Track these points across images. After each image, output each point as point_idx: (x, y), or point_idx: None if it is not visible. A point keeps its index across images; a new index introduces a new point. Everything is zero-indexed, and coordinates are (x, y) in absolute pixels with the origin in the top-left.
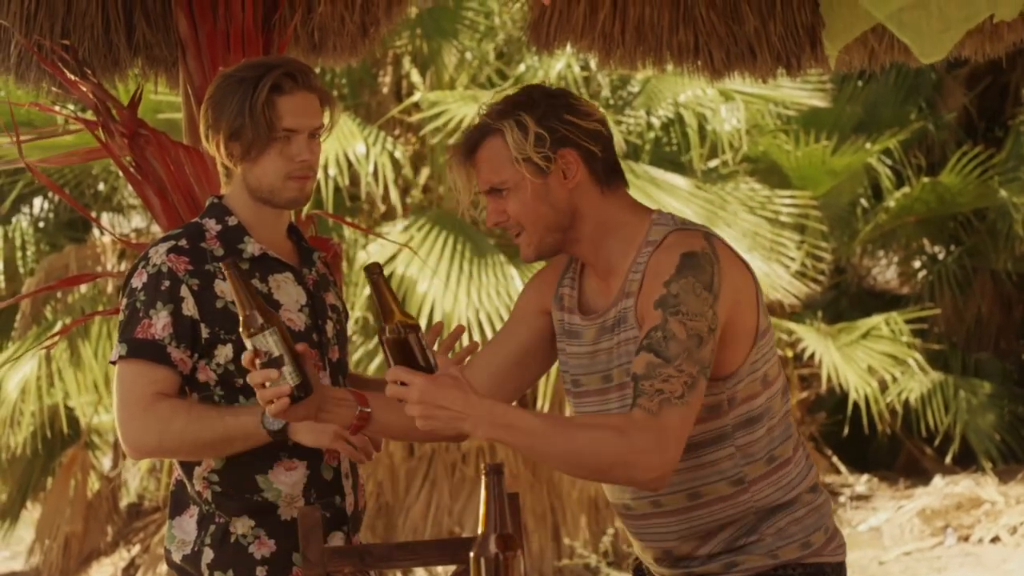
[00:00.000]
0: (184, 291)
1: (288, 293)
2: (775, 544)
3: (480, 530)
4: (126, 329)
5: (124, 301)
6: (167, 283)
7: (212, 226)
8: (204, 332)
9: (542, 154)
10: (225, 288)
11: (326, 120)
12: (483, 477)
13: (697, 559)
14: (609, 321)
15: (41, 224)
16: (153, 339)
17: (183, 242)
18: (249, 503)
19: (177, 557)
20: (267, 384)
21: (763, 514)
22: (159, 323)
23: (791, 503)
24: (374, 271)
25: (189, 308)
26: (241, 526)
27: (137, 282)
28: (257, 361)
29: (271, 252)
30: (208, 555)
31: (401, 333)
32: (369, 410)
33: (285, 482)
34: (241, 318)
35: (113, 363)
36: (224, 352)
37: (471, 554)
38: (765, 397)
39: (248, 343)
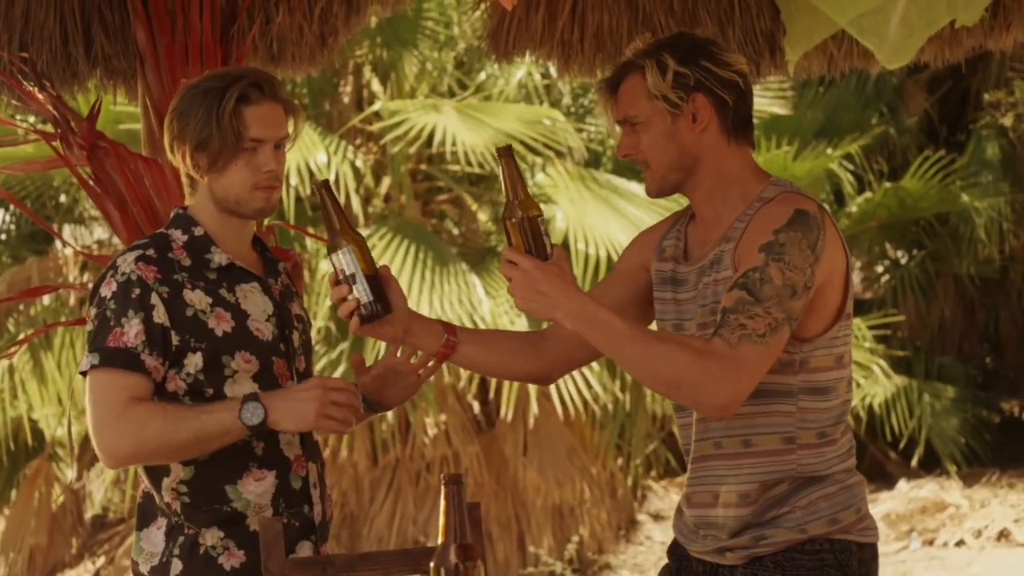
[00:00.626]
0: (155, 299)
1: (255, 303)
2: (804, 518)
3: (440, 540)
4: (97, 338)
5: (93, 311)
6: (137, 291)
7: (178, 236)
8: (174, 340)
9: (677, 94)
10: (194, 298)
11: (290, 130)
12: (442, 487)
13: (727, 527)
14: (706, 263)
15: (3, 236)
16: (126, 347)
17: (150, 252)
18: (218, 513)
19: (144, 569)
20: (346, 299)
21: (798, 484)
22: (131, 331)
23: (825, 479)
24: (505, 153)
25: (160, 316)
26: (210, 537)
27: (106, 291)
28: (339, 277)
29: (238, 262)
30: (176, 566)
31: (523, 218)
32: (456, 340)
33: (254, 491)
34: (327, 236)
35: (83, 374)
36: (194, 361)
37: (431, 564)
38: (835, 375)
39: (330, 260)
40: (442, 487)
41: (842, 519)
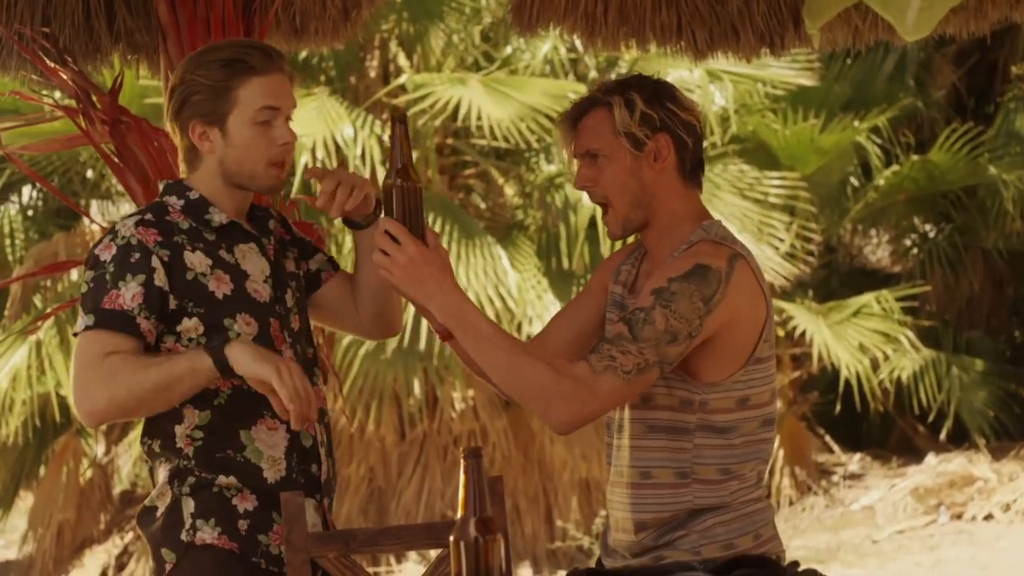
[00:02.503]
0: (155, 262)
1: (254, 263)
2: (699, 542)
3: (459, 514)
4: (93, 299)
5: (89, 274)
6: (137, 255)
7: (174, 202)
8: (172, 303)
9: (643, 132)
10: (194, 260)
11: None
12: (462, 461)
13: (628, 550)
14: None
15: (30, 212)
16: (122, 309)
17: (149, 216)
18: (232, 462)
19: (160, 513)
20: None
21: (695, 513)
22: (128, 294)
23: (723, 507)
24: (401, 119)
25: (160, 279)
26: (223, 480)
27: (105, 255)
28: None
29: (238, 220)
30: (189, 504)
31: (408, 187)
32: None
33: (267, 442)
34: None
35: (76, 335)
36: (191, 325)
37: (451, 538)
38: (737, 416)
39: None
40: (461, 460)
41: (738, 544)
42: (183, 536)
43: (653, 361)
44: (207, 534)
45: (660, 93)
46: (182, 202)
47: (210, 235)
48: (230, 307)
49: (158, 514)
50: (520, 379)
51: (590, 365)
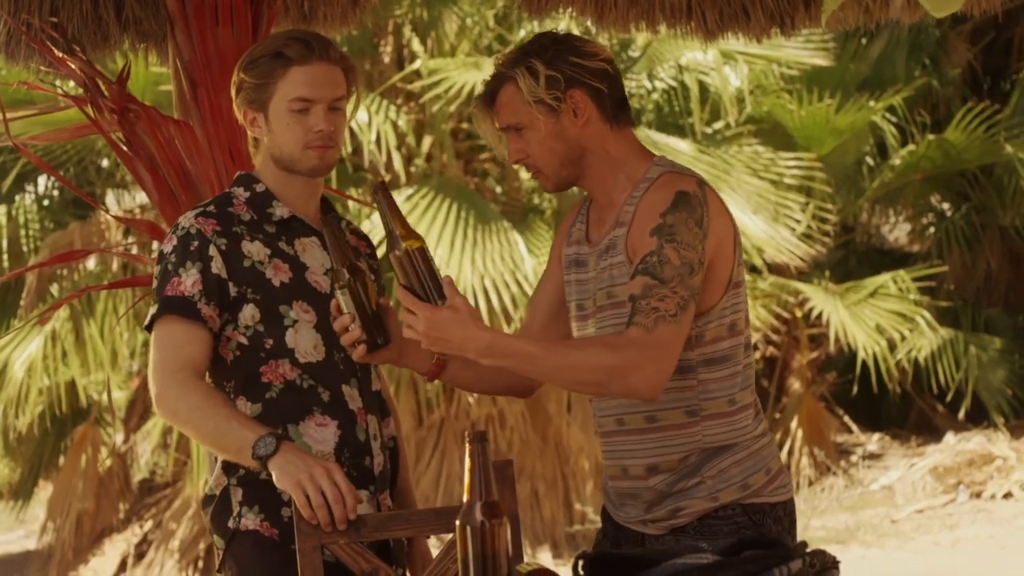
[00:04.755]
0: (212, 250)
1: (314, 256)
2: (715, 487)
3: (465, 498)
4: (158, 290)
5: (156, 268)
6: (195, 243)
7: (240, 193)
8: (231, 291)
9: (553, 96)
10: (252, 249)
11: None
12: (467, 445)
13: (641, 498)
14: (602, 247)
15: (46, 202)
16: (183, 295)
17: (211, 208)
18: None
19: (214, 501)
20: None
21: (706, 454)
22: (188, 280)
23: (734, 446)
24: (381, 188)
25: (217, 266)
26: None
27: (167, 247)
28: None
29: (299, 215)
30: (238, 493)
31: (408, 252)
32: (445, 359)
33: (315, 438)
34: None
35: (148, 328)
36: (249, 312)
37: (456, 522)
38: (730, 343)
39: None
40: (467, 444)
41: (752, 483)
42: (230, 523)
43: (688, 296)
44: (250, 520)
45: (561, 51)
46: (248, 194)
47: (270, 228)
48: (287, 295)
49: (214, 501)
50: (585, 374)
51: (639, 326)
